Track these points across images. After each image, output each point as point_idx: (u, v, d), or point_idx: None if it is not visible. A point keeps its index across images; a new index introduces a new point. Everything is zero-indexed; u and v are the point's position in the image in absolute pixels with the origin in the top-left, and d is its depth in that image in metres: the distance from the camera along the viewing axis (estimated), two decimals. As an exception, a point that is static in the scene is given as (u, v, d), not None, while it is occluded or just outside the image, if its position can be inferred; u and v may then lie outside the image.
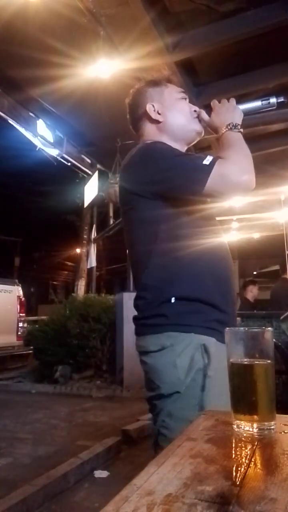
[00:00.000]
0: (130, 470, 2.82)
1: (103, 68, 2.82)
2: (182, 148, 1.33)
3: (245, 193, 1.15)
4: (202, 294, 1.15)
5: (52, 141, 4.86)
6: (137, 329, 1.23)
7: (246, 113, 1.27)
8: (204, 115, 1.31)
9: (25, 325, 7.89)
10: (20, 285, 8.09)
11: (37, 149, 4.58)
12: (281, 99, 1.25)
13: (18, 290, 7.89)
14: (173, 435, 1.05)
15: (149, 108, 1.32)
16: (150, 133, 1.33)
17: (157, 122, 1.32)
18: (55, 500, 2.45)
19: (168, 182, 1.16)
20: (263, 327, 0.70)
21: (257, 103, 1.29)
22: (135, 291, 1.27)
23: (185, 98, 1.36)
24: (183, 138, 1.33)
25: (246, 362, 0.68)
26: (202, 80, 3.42)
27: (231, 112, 1.26)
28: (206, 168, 1.11)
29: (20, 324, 7.71)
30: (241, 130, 1.23)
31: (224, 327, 0.96)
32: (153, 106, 1.32)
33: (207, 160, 1.12)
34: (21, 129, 4.21)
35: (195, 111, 1.34)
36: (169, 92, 1.35)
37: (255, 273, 10.21)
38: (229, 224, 6.92)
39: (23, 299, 7.96)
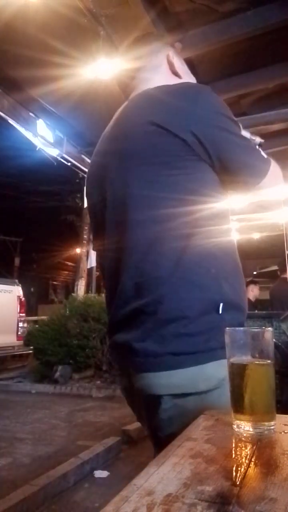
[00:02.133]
0: (130, 470, 2.82)
1: (103, 68, 2.82)
2: None
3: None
4: (243, 299, 0.91)
5: (52, 141, 4.85)
6: (168, 358, 0.78)
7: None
8: None
9: (25, 325, 7.89)
10: (20, 285, 8.09)
11: (37, 149, 4.58)
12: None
13: (18, 290, 7.89)
14: None
15: (170, 56, 1.08)
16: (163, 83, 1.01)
17: (177, 75, 1.08)
18: (55, 500, 2.46)
19: (231, 147, 0.89)
20: (263, 327, 0.70)
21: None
22: (139, 293, 0.84)
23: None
24: None
25: (246, 362, 0.68)
26: (202, 80, 3.42)
27: None
28: (267, 161, 0.94)
29: (20, 324, 7.72)
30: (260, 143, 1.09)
31: None
32: (173, 57, 1.09)
33: (264, 153, 0.96)
34: (21, 129, 4.20)
35: None
36: (182, 61, 1.14)
37: (255, 273, 10.22)
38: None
39: (23, 299, 7.97)
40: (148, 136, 0.89)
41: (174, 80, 1.06)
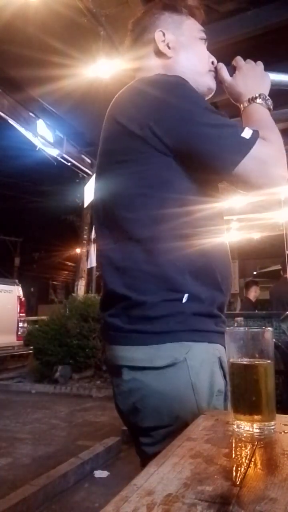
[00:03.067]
0: (130, 470, 2.82)
1: (103, 68, 2.82)
2: None
3: (273, 190, 0.87)
4: (214, 293, 0.91)
5: (52, 141, 4.85)
6: (127, 335, 0.87)
7: (273, 85, 1.02)
8: (225, 72, 1.03)
9: (25, 325, 7.89)
10: (20, 285, 8.10)
11: (37, 149, 4.58)
12: None
13: (18, 290, 7.89)
14: None
15: (158, 36, 1.01)
16: (153, 69, 0.99)
17: (164, 56, 1.01)
18: (55, 500, 2.46)
19: (195, 140, 0.85)
20: (263, 327, 0.70)
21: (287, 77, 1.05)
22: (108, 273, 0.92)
23: (205, 40, 1.06)
24: None
25: (246, 362, 0.68)
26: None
27: (260, 79, 1.00)
28: (245, 143, 0.83)
29: (20, 324, 7.72)
30: (271, 107, 0.99)
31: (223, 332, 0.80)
32: (164, 35, 1.01)
33: (246, 133, 0.84)
34: (21, 129, 4.20)
35: (212, 62, 1.05)
36: (190, 26, 1.04)
37: (255, 273, 10.22)
38: (229, 224, 6.92)
39: (23, 299, 7.97)
40: (116, 134, 0.91)
41: (158, 67, 1.01)
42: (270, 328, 0.70)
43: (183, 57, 1.02)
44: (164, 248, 0.88)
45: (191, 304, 0.86)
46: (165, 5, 1.05)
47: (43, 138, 4.67)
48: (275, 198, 5.33)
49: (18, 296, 7.83)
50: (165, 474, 0.52)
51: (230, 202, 5.64)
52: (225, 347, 0.74)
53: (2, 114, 3.87)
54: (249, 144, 0.83)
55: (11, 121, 4.06)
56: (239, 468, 0.53)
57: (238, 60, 1.03)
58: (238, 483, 0.49)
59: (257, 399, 0.67)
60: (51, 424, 3.94)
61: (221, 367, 0.87)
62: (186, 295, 0.86)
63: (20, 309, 7.78)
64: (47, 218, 16.96)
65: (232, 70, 1.03)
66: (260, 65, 1.02)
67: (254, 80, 0.99)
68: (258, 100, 0.97)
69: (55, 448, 3.23)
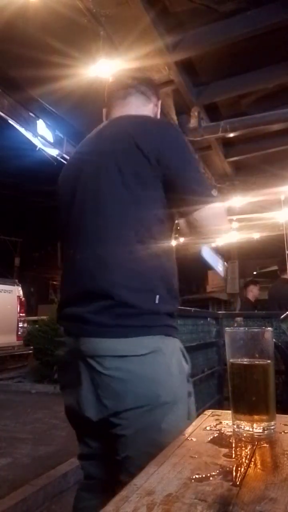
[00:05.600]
0: (130, 470, 2.82)
1: (103, 68, 2.82)
2: None
3: (212, 239, 1.16)
4: (173, 295, 1.11)
5: (52, 141, 4.85)
6: (111, 329, 1.01)
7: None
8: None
9: (25, 325, 7.89)
10: (20, 285, 8.09)
11: (37, 149, 4.57)
12: None
13: (18, 290, 7.89)
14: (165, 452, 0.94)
15: (159, 103, 1.35)
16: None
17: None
18: (55, 500, 2.46)
19: (181, 174, 1.11)
20: (263, 327, 0.70)
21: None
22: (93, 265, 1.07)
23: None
24: None
25: (246, 362, 0.68)
26: (202, 80, 3.42)
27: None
28: (209, 195, 1.09)
29: (20, 324, 7.72)
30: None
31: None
32: (158, 106, 1.35)
33: (214, 191, 1.15)
34: (21, 129, 4.20)
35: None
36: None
37: (255, 273, 10.22)
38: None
39: (23, 299, 7.96)
40: (127, 149, 1.10)
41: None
42: (270, 328, 0.70)
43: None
44: (146, 253, 1.06)
45: (162, 304, 1.05)
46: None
47: (43, 138, 4.67)
48: (275, 198, 5.34)
49: (18, 296, 7.83)
50: (165, 474, 0.52)
51: (230, 202, 5.64)
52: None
53: (2, 114, 3.86)
54: (212, 196, 1.08)
55: (11, 121, 4.05)
56: (239, 468, 0.53)
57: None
58: (238, 483, 0.49)
59: (257, 399, 0.67)
60: (51, 424, 3.94)
61: (184, 355, 1.09)
62: (157, 296, 1.04)
63: (20, 309, 7.78)
64: (47, 218, 16.94)
65: None
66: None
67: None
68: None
69: (55, 448, 3.23)
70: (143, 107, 1.29)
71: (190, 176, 1.11)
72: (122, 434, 1.00)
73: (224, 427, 0.71)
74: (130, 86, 1.29)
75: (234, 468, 0.53)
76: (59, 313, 1.17)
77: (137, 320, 1.02)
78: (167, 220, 1.13)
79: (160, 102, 1.37)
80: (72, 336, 1.09)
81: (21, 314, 7.77)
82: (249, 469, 0.53)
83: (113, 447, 1.03)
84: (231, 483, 0.49)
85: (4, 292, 7.54)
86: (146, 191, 1.09)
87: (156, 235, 1.09)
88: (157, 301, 1.04)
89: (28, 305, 10.14)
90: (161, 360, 1.01)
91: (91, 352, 1.02)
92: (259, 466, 0.55)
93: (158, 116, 1.36)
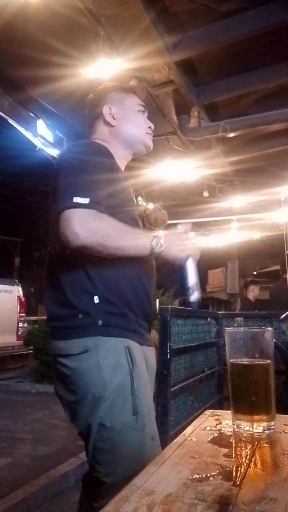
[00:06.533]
0: (130, 470, 2.81)
1: (103, 68, 2.81)
2: (128, 157, 1.39)
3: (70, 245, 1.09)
4: (122, 298, 1.17)
5: (52, 141, 4.84)
6: (58, 332, 1.19)
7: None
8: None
9: (25, 325, 7.88)
10: (20, 285, 8.09)
11: (37, 149, 4.56)
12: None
13: (18, 290, 7.88)
14: (116, 448, 1.06)
15: (105, 110, 1.37)
16: (102, 133, 1.38)
17: (110, 125, 1.37)
18: (55, 500, 2.45)
19: (57, 187, 1.17)
20: (263, 327, 0.70)
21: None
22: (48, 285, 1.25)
23: (144, 112, 1.41)
24: (130, 148, 1.39)
25: (246, 362, 0.68)
26: (202, 80, 3.41)
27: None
28: (69, 203, 1.08)
29: (20, 324, 7.71)
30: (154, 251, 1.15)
31: (142, 333, 1.23)
32: (110, 109, 1.37)
33: (84, 199, 1.08)
34: (21, 129, 4.19)
35: (150, 127, 1.40)
36: (130, 101, 1.40)
37: (255, 273, 10.21)
38: (229, 224, 6.91)
39: (23, 299, 7.96)
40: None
41: (106, 132, 1.38)
42: (270, 328, 0.70)
43: (124, 125, 1.37)
44: (89, 261, 1.14)
45: (100, 307, 1.14)
46: (113, 86, 1.44)
47: (43, 138, 4.66)
48: (275, 198, 5.34)
49: (18, 296, 7.82)
50: (165, 474, 0.52)
51: (230, 202, 5.64)
52: (138, 342, 1.18)
53: (2, 114, 3.86)
54: (72, 203, 1.08)
55: (11, 121, 4.05)
56: (239, 468, 0.53)
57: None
58: (238, 483, 0.49)
59: (257, 399, 0.67)
60: (51, 424, 3.94)
61: (129, 355, 1.13)
62: (95, 297, 1.14)
63: (20, 309, 7.77)
64: (47, 218, 16.90)
65: None
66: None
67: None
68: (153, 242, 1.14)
69: (55, 448, 3.23)
70: (99, 127, 1.39)
71: (60, 184, 1.17)
72: (80, 431, 1.17)
73: (224, 427, 0.71)
74: (90, 120, 1.41)
75: (234, 468, 0.53)
76: None
77: (74, 322, 1.14)
78: None
79: (109, 99, 1.39)
80: None
81: (21, 314, 7.76)
82: (249, 469, 0.53)
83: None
84: (231, 483, 0.49)
85: (4, 292, 7.54)
86: None
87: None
88: (96, 301, 1.14)
89: (28, 305, 10.14)
90: (94, 358, 1.11)
91: (51, 351, 1.22)
92: (259, 466, 0.55)
93: (116, 110, 1.37)
